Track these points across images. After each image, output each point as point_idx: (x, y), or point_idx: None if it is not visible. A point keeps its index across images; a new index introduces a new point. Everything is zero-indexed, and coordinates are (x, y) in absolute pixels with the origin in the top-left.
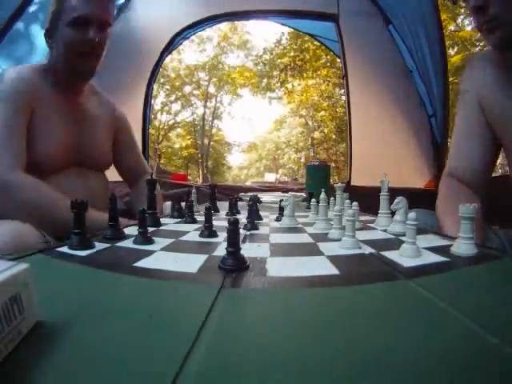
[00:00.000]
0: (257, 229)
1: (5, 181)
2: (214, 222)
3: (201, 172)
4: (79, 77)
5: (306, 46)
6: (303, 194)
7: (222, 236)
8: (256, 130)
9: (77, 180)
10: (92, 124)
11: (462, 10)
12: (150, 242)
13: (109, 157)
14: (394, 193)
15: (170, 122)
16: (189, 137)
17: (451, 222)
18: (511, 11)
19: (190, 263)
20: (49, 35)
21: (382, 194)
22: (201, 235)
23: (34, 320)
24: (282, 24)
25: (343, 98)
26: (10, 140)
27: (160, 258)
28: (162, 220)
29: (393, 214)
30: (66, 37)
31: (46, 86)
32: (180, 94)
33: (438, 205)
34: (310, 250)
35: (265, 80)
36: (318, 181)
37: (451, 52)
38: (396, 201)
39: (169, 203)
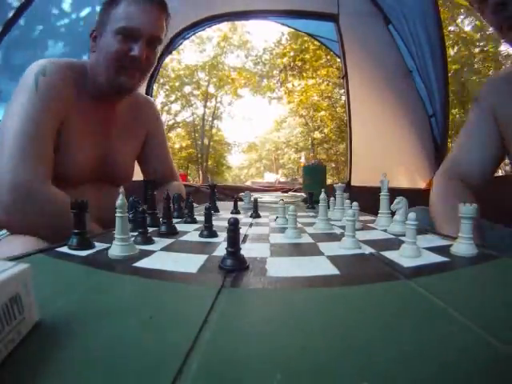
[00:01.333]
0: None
1: (36, 190)
2: (214, 222)
3: (201, 172)
4: (115, 91)
5: (306, 45)
6: (303, 194)
7: (222, 236)
8: (256, 130)
9: (93, 195)
10: (122, 137)
11: (462, 10)
12: (151, 242)
13: (131, 173)
14: (393, 193)
15: (170, 123)
16: (188, 137)
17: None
18: None
19: (190, 263)
20: (93, 37)
21: (381, 193)
22: (201, 235)
23: (33, 320)
24: (282, 24)
25: (343, 98)
26: (41, 146)
27: (160, 258)
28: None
29: (393, 214)
30: (109, 46)
31: (83, 90)
32: (180, 94)
33: (434, 206)
34: (310, 250)
35: (265, 80)
36: (315, 181)
37: (451, 52)
38: (396, 201)
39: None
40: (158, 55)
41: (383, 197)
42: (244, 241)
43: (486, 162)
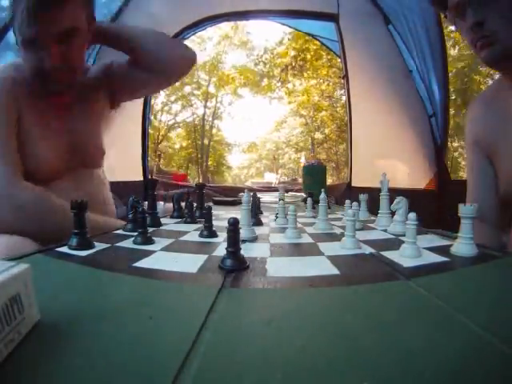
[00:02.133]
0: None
1: (9, 195)
2: (214, 222)
3: (201, 172)
4: (55, 90)
5: (307, 45)
6: (303, 194)
7: (222, 236)
8: (256, 130)
9: (75, 185)
10: (83, 116)
11: None
12: (151, 242)
13: (101, 151)
14: (394, 193)
15: (170, 123)
16: (188, 137)
17: None
18: (508, 28)
19: (190, 263)
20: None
21: (381, 194)
22: (200, 235)
23: (33, 320)
24: (282, 24)
25: (343, 98)
26: (3, 147)
27: (160, 258)
28: (162, 220)
29: (393, 214)
30: (24, 60)
31: (32, 87)
32: (180, 94)
33: None
34: (310, 250)
35: (265, 80)
36: (316, 181)
37: (451, 52)
38: (396, 201)
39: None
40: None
41: (383, 197)
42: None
43: (493, 199)
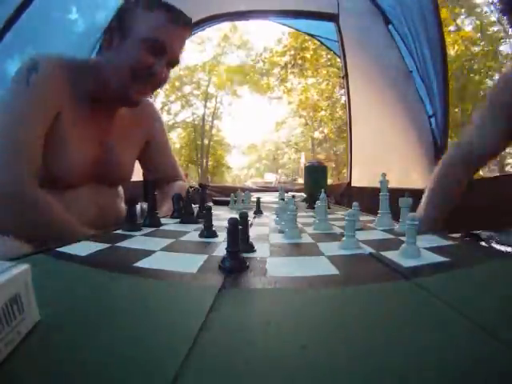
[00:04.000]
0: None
1: (22, 194)
2: (214, 222)
3: (200, 172)
4: (121, 100)
5: (307, 44)
6: (303, 194)
7: (222, 236)
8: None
9: (90, 197)
10: (121, 140)
11: (463, 10)
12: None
13: (131, 173)
14: (393, 193)
15: (170, 122)
16: (188, 137)
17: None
18: None
19: (190, 263)
20: (109, 38)
21: (381, 194)
22: (201, 235)
23: (33, 320)
24: (282, 24)
25: (343, 98)
26: (28, 147)
27: (160, 258)
28: (162, 220)
29: (393, 214)
30: (132, 53)
31: (80, 88)
32: (180, 94)
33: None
34: (310, 250)
35: (265, 78)
36: (317, 181)
37: (451, 52)
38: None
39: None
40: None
41: (383, 197)
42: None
43: (497, 135)
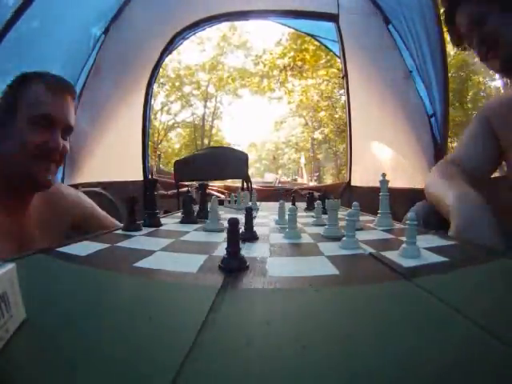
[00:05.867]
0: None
1: None
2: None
3: None
4: (30, 185)
5: (306, 46)
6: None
7: (222, 236)
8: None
9: None
10: (40, 228)
11: None
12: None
13: None
14: (393, 193)
15: (170, 123)
16: (189, 137)
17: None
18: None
19: (190, 263)
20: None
21: (381, 194)
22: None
23: (20, 318)
24: (282, 24)
25: (343, 98)
26: None
27: (160, 258)
28: (162, 220)
29: (393, 214)
30: (23, 135)
31: None
32: (180, 94)
33: (433, 183)
34: (310, 250)
35: (265, 80)
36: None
37: (451, 52)
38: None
39: None
40: (158, 56)
41: (383, 197)
42: (244, 241)
43: (484, 160)
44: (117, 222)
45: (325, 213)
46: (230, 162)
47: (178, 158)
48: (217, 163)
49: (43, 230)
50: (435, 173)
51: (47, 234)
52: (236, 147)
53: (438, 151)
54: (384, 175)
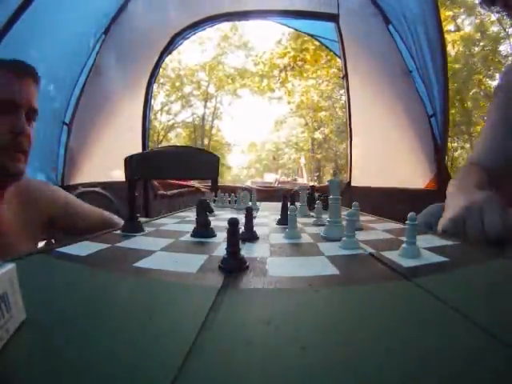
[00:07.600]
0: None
1: None
2: (214, 223)
3: None
4: (3, 176)
5: (306, 45)
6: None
7: (222, 236)
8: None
9: None
10: (15, 221)
11: (462, 10)
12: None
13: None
14: (393, 192)
15: (170, 123)
16: (189, 137)
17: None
18: None
19: (190, 263)
20: None
21: (330, 197)
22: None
23: (20, 319)
24: (282, 24)
25: (343, 98)
26: None
27: (160, 258)
28: (162, 220)
29: (393, 214)
30: None
31: None
32: (180, 94)
33: (450, 187)
34: (310, 250)
35: (265, 80)
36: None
37: (451, 52)
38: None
39: None
40: (158, 56)
41: (333, 202)
42: (244, 241)
43: (510, 150)
44: (114, 217)
45: (325, 208)
46: (200, 163)
47: (129, 154)
48: (181, 162)
49: (17, 226)
50: (457, 176)
51: (21, 230)
52: (236, 147)
53: (437, 151)
54: (335, 173)
